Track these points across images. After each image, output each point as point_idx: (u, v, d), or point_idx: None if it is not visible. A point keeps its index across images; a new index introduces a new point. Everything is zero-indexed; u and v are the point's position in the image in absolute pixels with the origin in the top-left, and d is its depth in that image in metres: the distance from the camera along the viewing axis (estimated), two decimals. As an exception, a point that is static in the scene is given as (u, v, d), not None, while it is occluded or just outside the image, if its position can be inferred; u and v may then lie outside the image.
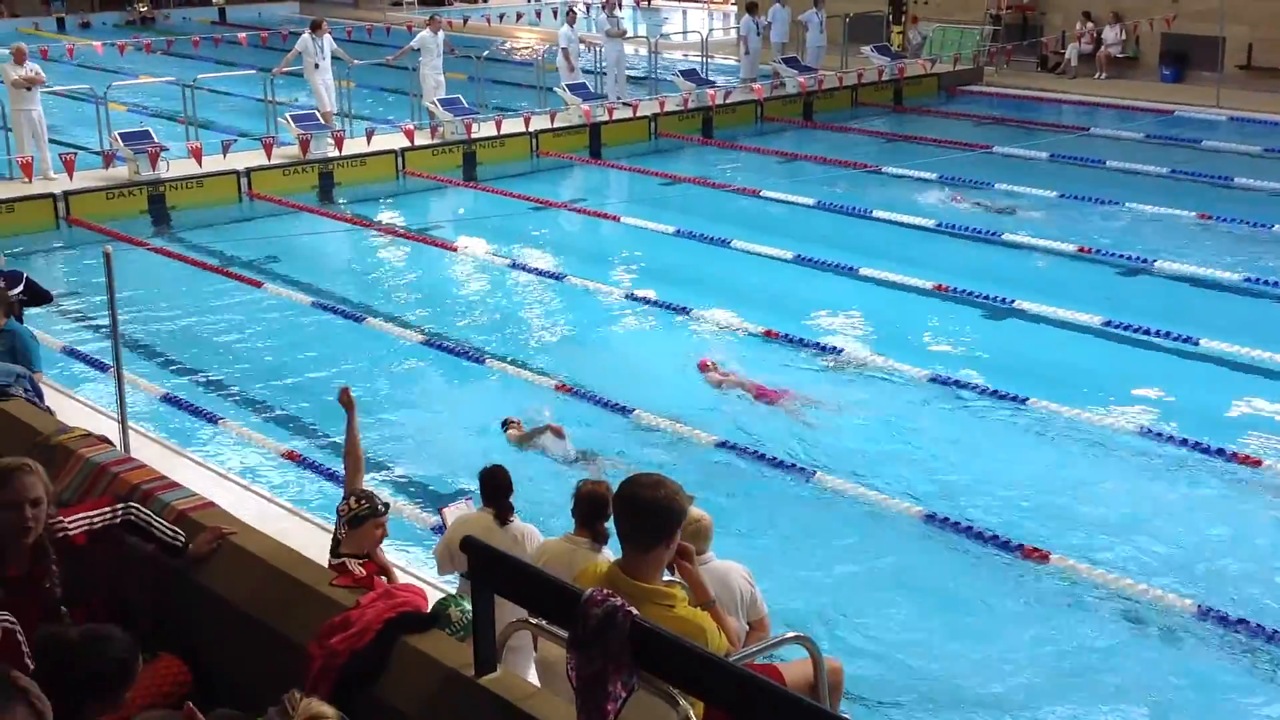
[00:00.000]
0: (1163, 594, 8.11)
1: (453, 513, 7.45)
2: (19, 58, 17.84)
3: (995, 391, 11.26)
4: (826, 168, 19.84)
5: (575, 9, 25.21)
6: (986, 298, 13.76)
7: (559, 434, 10.33)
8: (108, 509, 4.91)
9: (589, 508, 5.99)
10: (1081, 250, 15.47)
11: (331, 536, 5.60)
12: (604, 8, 25.76)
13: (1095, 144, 21.44)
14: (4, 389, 6.27)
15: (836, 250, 15.41)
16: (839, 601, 8.29)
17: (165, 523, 5.01)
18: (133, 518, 4.91)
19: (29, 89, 17.72)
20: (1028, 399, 11.03)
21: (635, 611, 3.46)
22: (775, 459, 10.06)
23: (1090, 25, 27.10)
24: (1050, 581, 8.41)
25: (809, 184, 18.96)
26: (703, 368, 11.90)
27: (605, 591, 3.53)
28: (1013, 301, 13.59)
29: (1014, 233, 16.22)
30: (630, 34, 27.59)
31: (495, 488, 6.51)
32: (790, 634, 4.41)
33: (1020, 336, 13.09)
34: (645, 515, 3.98)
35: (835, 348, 12.45)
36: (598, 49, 24.52)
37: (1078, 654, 7.72)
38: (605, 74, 24.10)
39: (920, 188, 18.63)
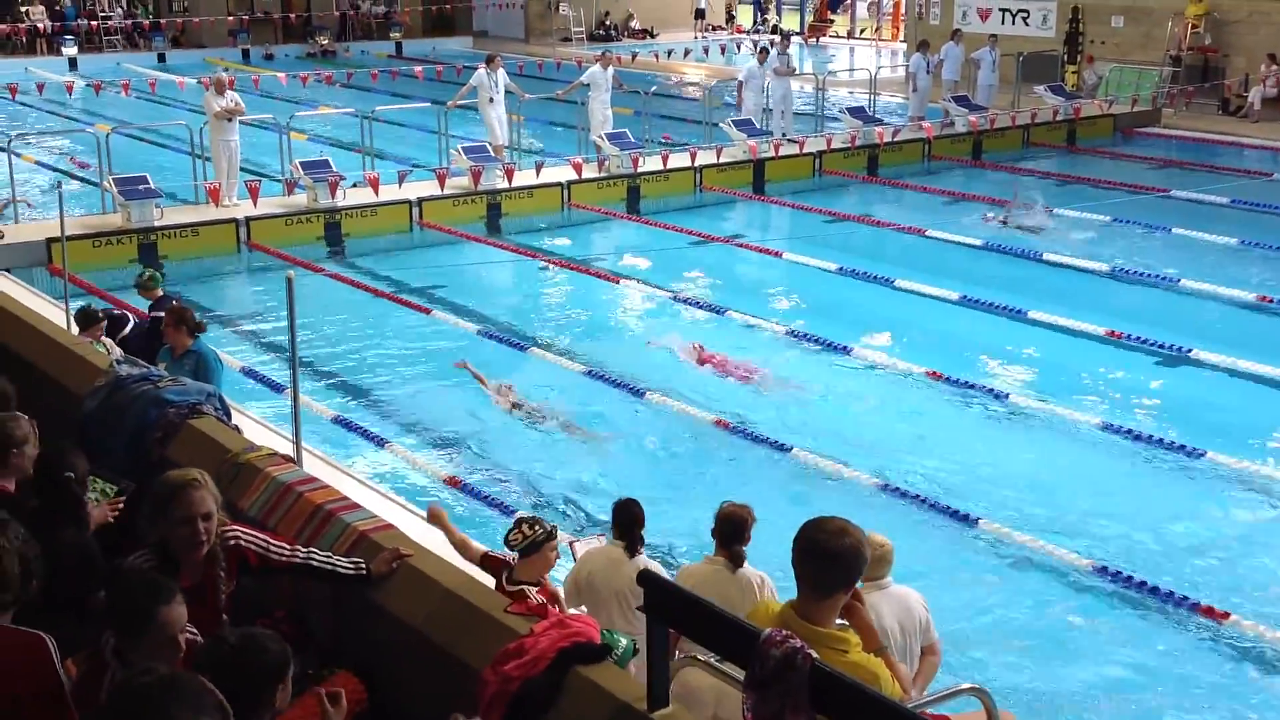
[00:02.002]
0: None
1: (583, 547, 7.51)
2: (220, 88, 18.47)
3: (1169, 442, 10.90)
4: (995, 208, 19.51)
5: (767, 47, 25.25)
6: (1161, 345, 13.33)
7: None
8: (286, 549, 4.97)
9: (729, 529, 6.17)
10: (1262, 299, 14.91)
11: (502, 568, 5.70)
12: (773, 45, 25.80)
13: (1279, 190, 20.66)
14: (196, 406, 6.52)
15: (1004, 292, 15.12)
16: (998, 653, 8.10)
17: (344, 560, 5.07)
18: (314, 564, 5.00)
19: (229, 120, 18.38)
20: (1204, 452, 10.65)
21: (815, 654, 3.44)
22: (939, 503, 9.88)
23: (1275, 68, 26.17)
24: (1229, 642, 8.09)
25: (976, 224, 18.67)
26: (691, 351, 13.14)
27: (784, 632, 3.51)
28: (1189, 350, 13.15)
29: (1191, 279, 15.72)
30: (797, 70, 27.56)
31: (629, 520, 6.58)
32: (966, 685, 4.33)
33: (1196, 386, 12.68)
34: (829, 562, 3.95)
35: (1002, 392, 12.20)
36: (765, 85, 24.55)
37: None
38: (771, 110, 24.13)
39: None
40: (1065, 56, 29.26)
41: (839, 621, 4.30)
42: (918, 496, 10.00)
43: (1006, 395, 12.12)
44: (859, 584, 5.77)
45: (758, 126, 22.91)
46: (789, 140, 22.66)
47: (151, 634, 3.93)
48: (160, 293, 11.44)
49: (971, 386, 12.32)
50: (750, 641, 3.52)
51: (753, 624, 3.68)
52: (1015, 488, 10.36)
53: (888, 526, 9.31)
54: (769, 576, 6.27)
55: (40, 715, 3.82)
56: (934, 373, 12.61)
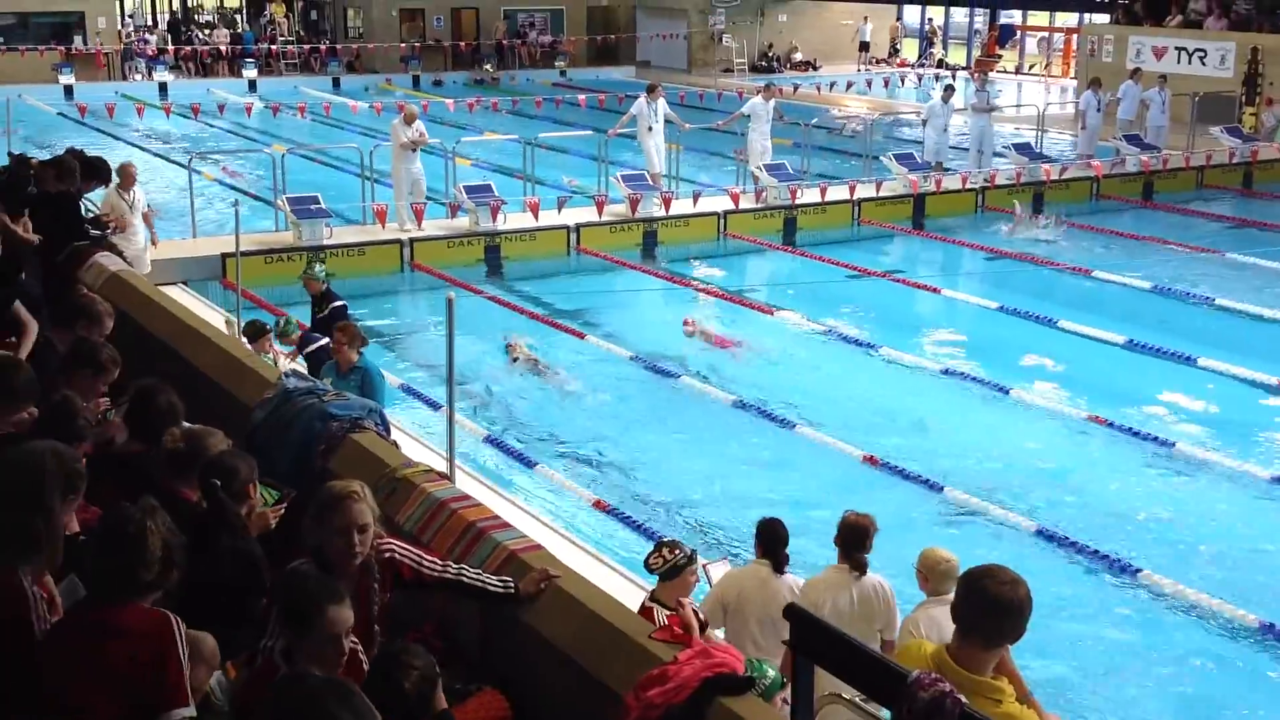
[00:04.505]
0: None
1: (716, 570, 7.53)
2: (409, 118, 18.89)
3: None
4: (1165, 249, 18.93)
5: (953, 84, 25.05)
6: (1340, 400, 12.78)
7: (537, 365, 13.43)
8: (439, 565, 5.01)
9: (851, 538, 6.46)
10: None
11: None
12: (971, 80, 25.55)
13: None
14: (358, 421, 6.67)
15: (1173, 337, 14.64)
16: (1151, 707, 7.83)
17: (493, 579, 5.11)
18: (464, 580, 5.03)
19: (414, 149, 18.84)
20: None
21: (964, 700, 3.36)
22: (1096, 550, 9.60)
23: None
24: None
25: (1145, 266, 18.14)
26: (685, 324, 14.95)
27: (934, 675, 3.44)
28: (1371, 405, 12.58)
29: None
30: (998, 108, 27.14)
31: (774, 539, 6.71)
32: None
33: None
34: (1001, 613, 3.87)
35: (1167, 440, 11.79)
36: (947, 124, 24.17)
37: None
38: (969, 148, 23.95)
39: (1266, 276, 17.61)
40: (1243, 98, 28.32)
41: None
42: (1074, 543, 9.73)
43: (1172, 443, 11.72)
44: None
45: (921, 161, 22.58)
46: (947, 171, 22.27)
47: (319, 632, 3.98)
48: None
49: (1135, 433, 11.94)
50: (898, 682, 3.46)
51: (901, 665, 3.62)
52: (1178, 539, 10.02)
53: (1043, 569, 9.15)
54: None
55: (155, 693, 3.88)
56: (1096, 417, 12.28)
